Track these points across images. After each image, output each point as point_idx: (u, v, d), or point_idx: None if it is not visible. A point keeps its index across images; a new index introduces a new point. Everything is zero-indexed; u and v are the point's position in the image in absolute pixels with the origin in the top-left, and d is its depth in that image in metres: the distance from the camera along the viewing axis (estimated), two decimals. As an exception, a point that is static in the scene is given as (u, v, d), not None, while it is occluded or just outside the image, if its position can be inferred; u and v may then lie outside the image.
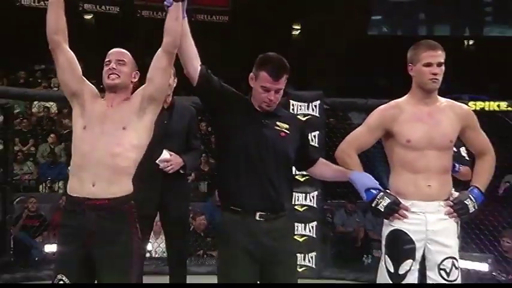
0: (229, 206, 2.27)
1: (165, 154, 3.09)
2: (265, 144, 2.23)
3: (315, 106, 4.87)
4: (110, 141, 2.19)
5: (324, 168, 2.49)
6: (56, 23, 2.27)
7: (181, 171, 3.19)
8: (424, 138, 2.40)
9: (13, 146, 5.70)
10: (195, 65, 2.25)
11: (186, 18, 2.25)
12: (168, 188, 3.21)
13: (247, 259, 2.21)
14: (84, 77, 2.34)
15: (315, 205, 4.85)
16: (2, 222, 4.80)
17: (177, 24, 2.20)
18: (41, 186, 7.75)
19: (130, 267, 2.21)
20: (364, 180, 2.40)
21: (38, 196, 6.66)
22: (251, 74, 2.26)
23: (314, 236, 4.82)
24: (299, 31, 13.74)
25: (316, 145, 4.71)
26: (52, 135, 8.49)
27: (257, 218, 2.22)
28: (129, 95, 2.33)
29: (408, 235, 2.38)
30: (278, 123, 2.28)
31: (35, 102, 9.30)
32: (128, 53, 2.36)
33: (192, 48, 2.26)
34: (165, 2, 2.20)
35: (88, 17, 12.96)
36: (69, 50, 2.30)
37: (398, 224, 2.40)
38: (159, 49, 2.25)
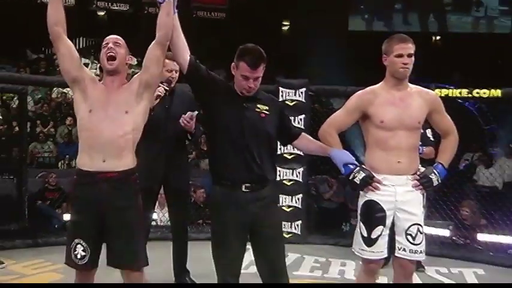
0: (218, 180, 2.27)
1: (192, 113, 3.10)
2: (248, 125, 2.22)
3: (302, 93, 4.86)
4: (115, 124, 2.17)
5: (308, 143, 2.48)
6: (56, 15, 2.22)
7: (189, 137, 3.22)
8: (395, 120, 2.39)
9: (27, 127, 5.59)
10: (184, 55, 2.22)
11: (176, 14, 2.22)
12: (171, 165, 3.21)
13: (236, 226, 2.22)
14: (82, 64, 2.31)
15: (300, 180, 4.87)
16: (18, 194, 4.79)
17: (168, 19, 2.18)
18: (60, 163, 7.70)
19: (138, 230, 2.23)
20: (342, 156, 2.40)
21: (58, 172, 6.59)
22: (233, 63, 2.23)
23: (300, 206, 4.84)
24: (289, 27, 13.64)
25: (302, 127, 4.70)
26: (69, 118, 8.44)
27: (243, 189, 2.22)
28: (125, 79, 2.29)
29: (380, 205, 2.39)
30: (258, 105, 2.27)
31: (54, 89, 9.23)
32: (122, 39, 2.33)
33: (182, 40, 2.23)
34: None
35: (101, 13, 12.77)
36: (68, 40, 2.25)
37: (371, 195, 2.41)
38: (153, 41, 2.23)
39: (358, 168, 2.41)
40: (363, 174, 2.39)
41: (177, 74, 3.13)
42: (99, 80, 2.31)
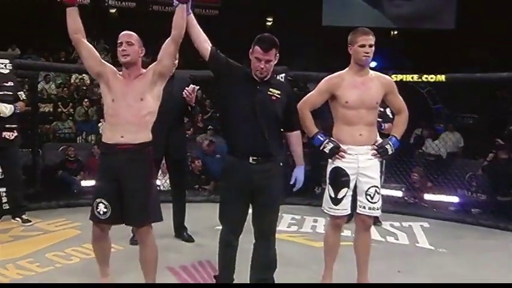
0: (231, 151, 2.25)
1: (194, 86, 3.10)
2: (259, 106, 2.17)
3: (281, 77, 4.77)
4: (132, 110, 2.19)
5: (295, 144, 2.38)
6: (74, 25, 2.21)
7: (189, 109, 3.19)
8: (358, 100, 2.37)
9: (37, 107, 5.39)
10: (206, 47, 2.20)
11: (191, 14, 2.18)
12: (171, 139, 3.17)
13: (241, 191, 2.21)
14: (102, 60, 2.28)
15: (281, 151, 4.83)
16: (32, 164, 4.74)
17: (182, 21, 2.16)
18: (78, 138, 7.61)
19: (147, 193, 2.22)
20: (300, 173, 2.40)
21: (76, 145, 6.52)
22: (250, 49, 2.20)
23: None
24: (272, 23, 13.41)
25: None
26: (86, 100, 8.32)
27: (250, 161, 2.18)
28: (140, 69, 2.27)
29: (345, 170, 2.39)
30: (271, 89, 2.21)
31: (73, 75, 9.02)
32: (134, 34, 2.28)
33: (201, 35, 2.21)
34: (173, 3, 2.14)
35: (112, 11, 12.37)
36: (88, 43, 2.25)
37: (338, 163, 2.41)
38: (169, 38, 2.20)
39: (327, 139, 2.40)
40: (331, 145, 2.39)
41: (177, 61, 3.06)
42: (119, 71, 2.29)
